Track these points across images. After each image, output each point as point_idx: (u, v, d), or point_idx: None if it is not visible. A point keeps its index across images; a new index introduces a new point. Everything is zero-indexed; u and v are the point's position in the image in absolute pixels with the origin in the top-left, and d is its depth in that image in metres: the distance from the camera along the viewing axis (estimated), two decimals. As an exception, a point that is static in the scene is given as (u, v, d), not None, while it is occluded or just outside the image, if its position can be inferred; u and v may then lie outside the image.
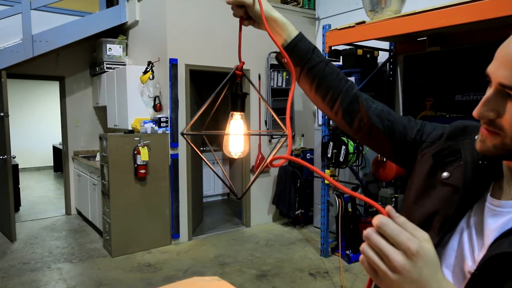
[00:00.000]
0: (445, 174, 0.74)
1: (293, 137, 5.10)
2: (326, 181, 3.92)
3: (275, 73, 4.90)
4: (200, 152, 0.92)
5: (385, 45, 4.34)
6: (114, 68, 4.83)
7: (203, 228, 4.85)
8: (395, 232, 0.48)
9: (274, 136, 4.99)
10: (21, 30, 4.26)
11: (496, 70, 0.58)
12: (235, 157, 0.91)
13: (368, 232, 0.50)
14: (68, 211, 5.56)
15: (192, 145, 0.90)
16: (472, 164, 0.69)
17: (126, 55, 5.09)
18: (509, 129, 0.57)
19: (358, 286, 3.33)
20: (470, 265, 0.64)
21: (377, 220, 0.50)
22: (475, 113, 0.60)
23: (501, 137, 0.58)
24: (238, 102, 0.89)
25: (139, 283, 3.36)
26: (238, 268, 3.68)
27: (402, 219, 0.50)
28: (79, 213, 5.47)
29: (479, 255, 0.63)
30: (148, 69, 4.21)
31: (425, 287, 0.49)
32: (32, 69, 5.03)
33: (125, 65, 4.86)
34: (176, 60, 4.15)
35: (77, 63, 5.42)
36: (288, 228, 4.88)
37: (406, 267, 0.48)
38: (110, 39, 4.96)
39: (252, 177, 1.04)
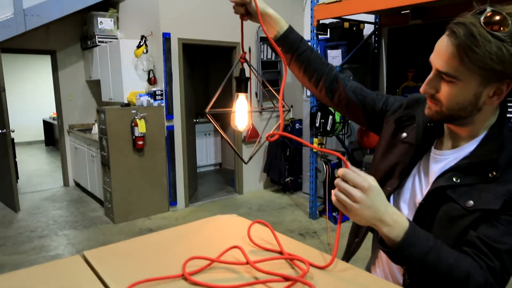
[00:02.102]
0: (404, 134, 1.00)
1: (285, 110, 5.32)
2: (314, 150, 4.18)
3: (265, 46, 5.04)
4: (218, 127, 1.13)
5: (371, 18, 4.51)
6: (106, 42, 4.91)
7: (198, 196, 5.12)
8: (353, 177, 0.73)
9: (264, 108, 5.19)
10: (9, 2, 4.27)
11: (434, 59, 0.80)
12: (241, 130, 1.10)
13: (337, 180, 0.76)
14: (66, 183, 5.75)
15: (215, 122, 1.10)
16: (423, 126, 0.94)
17: (118, 28, 5.15)
18: (443, 101, 0.81)
19: (342, 243, 3.65)
20: (419, 198, 0.90)
21: (341, 171, 0.75)
22: (421, 90, 0.84)
23: (439, 106, 0.82)
24: (242, 85, 1.07)
25: (143, 246, 3.63)
26: (233, 230, 3.97)
27: (355, 169, 0.75)
28: (77, 184, 5.67)
29: (425, 190, 0.89)
30: (141, 43, 4.32)
31: (377, 210, 0.74)
32: (23, 43, 5.06)
33: (116, 39, 4.94)
34: (169, 34, 4.26)
35: (67, 36, 5.45)
36: (279, 194, 5.19)
37: (363, 198, 0.73)
38: (101, 12, 5.00)
39: (254, 146, 1.24)
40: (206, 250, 0.85)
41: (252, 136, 5.10)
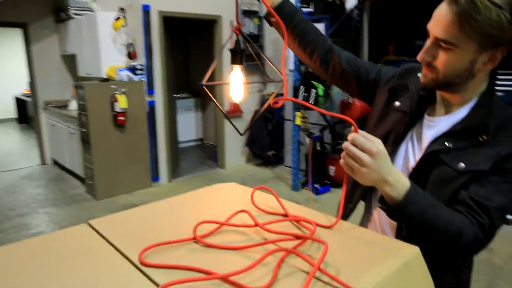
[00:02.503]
0: (397, 103, 1.03)
1: (265, 83, 5.28)
2: (297, 122, 4.21)
3: (247, 19, 4.97)
4: (215, 100, 1.13)
5: (353, -9, 4.49)
6: (81, 15, 4.71)
7: (180, 171, 5.12)
8: (362, 141, 0.76)
9: (257, 82, 5.17)
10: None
11: (432, 27, 0.83)
12: (236, 102, 1.12)
13: (345, 144, 0.78)
14: (43, 161, 5.62)
15: (211, 95, 1.10)
16: (416, 95, 0.98)
17: (94, 0, 4.94)
18: (440, 68, 0.84)
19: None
20: (412, 163, 0.95)
21: (350, 136, 0.77)
22: (418, 57, 0.87)
23: (435, 73, 0.86)
24: (238, 57, 1.05)
25: (128, 221, 3.63)
26: (218, 204, 4.02)
27: (365, 133, 0.78)
28: (56, 162, 5.55)
29: (418, 155, 0.93)
30: (120, 16, 4.17)
31: (382, 172, 0.77)
32: (-9, 15, 4.80)
33: (92, 11, 4.75)
34: (148, 6, 4.13)
35: (39, 8, 5.20)
36: (261, 168, 5.25)
37: (371, 162, 0.75)
38: (74, -18, 4.77)
39: (249, 119, 1.23)
40: (212, 215, 0.87)
41: (235, 110, 5.09)
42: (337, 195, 0.93)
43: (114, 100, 4.03)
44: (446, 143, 0.87)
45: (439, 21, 0.81)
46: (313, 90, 3.95)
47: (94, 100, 3.98)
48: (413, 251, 0.69)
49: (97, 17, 4.31)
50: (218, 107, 1.12)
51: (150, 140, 4.41)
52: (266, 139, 5.04)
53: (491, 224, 0.81)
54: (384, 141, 1.02)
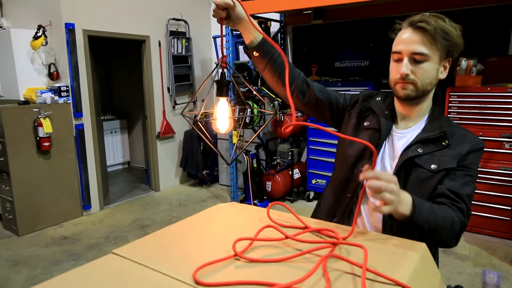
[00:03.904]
0: (366, 123, 1.22)
1: (195, 102, 5.31)
2: (233, 141, 4.32)
3: (175, 40, 4.98)
4: (204, 136, 1.15)
5: (277, 16, 4.81)
6: (-10, 32, 4.27)
7: (111, 197, 4.85)
8: (385, 175, 0.85)
9: (177, 102, 5.15)
10: None
11: (406, 47, 1.04)
12: (222, 133, 1.13)
13: (373, 183, 0.83)
14: None
15: (201, 132, 1.14)
16: (383, 113, 1.19)
17: (2, 16, 4.53)
18: (418, 77, 1.05)
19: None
20: (389, 170, 1.13)
21: (372, 174, 0.84)
22: (401, 73, 1.05)
23: (414, 84, 1.06)
24: (224, 89, 1.06)
25: (61, 255, 3.34)
26: (159, 228, 3.88)
27: (379, 170, 0.91)
28: (-43, 197, 4.84)
29: (393, 163, 1.12)
30: (39, 34, 3.89)
31: (400, 192, 0.88)
32: None
33: (2, 28, 4.34)
34: (73, 25, 3.92)
35: None
36: (197, 188, 5.23)
37: (397, 188, 0.86)
38: (-20, -3, 4.33)
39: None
40: (233, 233, 0.92)
41: (166, 131, 5.02)
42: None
43: (37, 125, 3.72)
44: (418, 150, 1.08)
45: (412, 41, 1.04)
46: (249, 110, 4.11)
47: (13, 125, 3.62)
48: (422, 247, 0.84)
49: (12, 35, 3.96)
50: (208, 142, 1.17)
51: (79, 166, 4.13)
52: (200, 158, 5.05)
53: (467, 208, 1.03)
54: (361, 156, 1.19)
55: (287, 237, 0.86)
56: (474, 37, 3.63)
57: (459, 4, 3.67)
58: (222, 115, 1.07)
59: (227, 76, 1.08)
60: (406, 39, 1.04)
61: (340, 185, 1.21)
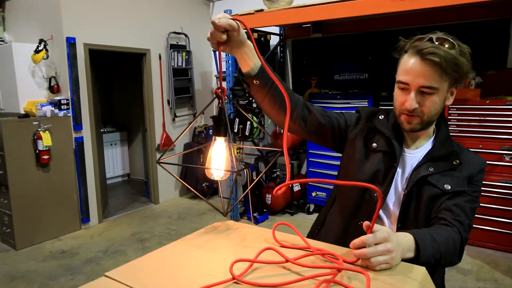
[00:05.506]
0: (374, 145, 1.17)
1: (194, 115, 5.31)
2: (234, 154, 4.30)
3: (175, 53, 5.02)
4: (178, 178, 1.13)
5: (276, 29, 4.85)
6: (-9, 45, 4.31)
7: (110, 210, 4.82)
8: (372, 238, 0.80)
9: (177, 115, 5.16)
10: None
11: (414, 79, 1.01)
12: (217, 179, 0.97)
13: (364, 250, 0.79)
14: None
15: (172, 173, 1.11)
16: (392, 134, 1.15)
17: (4, 30, 4.56)
18: (425, 111, 1.04)
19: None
20: (400, 190, 1.11)
21: (358, 241, 0.80)
22: (408, 107, 1.03)
23: (420, 117, 1.05)
24: (222, 128, 0.90)
25: (59, 270, 3.31)
26: (158, 242, 3.87)
27: (376, 231, 0.82)
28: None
29: (403, 183, 1.11)
30: (41, 48, 3.92)
31: (401, 243, 0.85)
32: None
33: (4, 41, 4.38)
34: (74, 39, 3.95)
35: None
36: (196, 201, 5.20)
37: (392, 245, 0.81)
38: (-18, 11, 4.37)
39: (246, 192, 1.16)
40: (231, 255, 0.90)
41: (166, 144, 5.02)
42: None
43: (37, 138, 3.71)
44: (430, 169, 1.07)
45: (420, 74, 1.00)
46: (248, 122, 4.12)
47: (13, 138, 3.62)
48: (422, 271, 0.82)
49: (13, 49, 3.98)
50: (198, 194, 1.13)
51: (78, 179, 4.11)
52: (200, 171, 5.04)
53: (469, 221, 1.03)
54: (373, 180, 1.13)
55: (287, 261, 0.84)
56: (472, 50, 3.64)
57: (458, 18, 3.71)
58: (218, 159, 0.92)
59: (228, 109, 0.97)
60: (414, 71, 1.00)
61: (349, 212, 1.16)
